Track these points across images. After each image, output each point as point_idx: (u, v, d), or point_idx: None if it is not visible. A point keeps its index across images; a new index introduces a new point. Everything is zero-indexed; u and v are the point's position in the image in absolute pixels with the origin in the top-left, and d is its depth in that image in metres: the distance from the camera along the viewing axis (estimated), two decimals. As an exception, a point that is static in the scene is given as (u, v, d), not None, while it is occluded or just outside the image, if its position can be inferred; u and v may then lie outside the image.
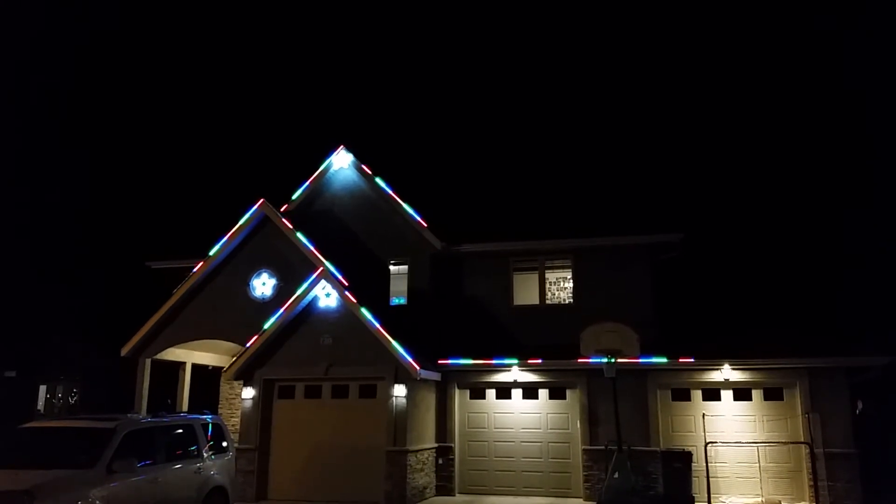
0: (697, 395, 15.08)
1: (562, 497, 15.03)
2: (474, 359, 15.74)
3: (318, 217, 17.91)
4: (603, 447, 14.61)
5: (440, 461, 15.68)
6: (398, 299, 17.52)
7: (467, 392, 16.21)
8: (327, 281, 15.11)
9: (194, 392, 17.99)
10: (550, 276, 17.39)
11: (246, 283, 16.27)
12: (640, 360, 14.31)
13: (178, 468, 10.20)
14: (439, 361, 15.68)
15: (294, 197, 18.13)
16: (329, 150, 18.32)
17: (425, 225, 17.16)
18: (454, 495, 15.48)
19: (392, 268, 17.60)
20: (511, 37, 48.47)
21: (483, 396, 16.14)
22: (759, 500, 14.07)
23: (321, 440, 14.92)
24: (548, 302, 17.12)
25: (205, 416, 11.69)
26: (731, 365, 14.65)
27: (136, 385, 16.53)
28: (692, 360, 14.80)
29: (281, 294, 15.79)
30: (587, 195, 20.27)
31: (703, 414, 14.76)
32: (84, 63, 43.96)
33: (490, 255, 17.26)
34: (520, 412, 15.85)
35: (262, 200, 16.42)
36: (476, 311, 17.03)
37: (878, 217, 27.85)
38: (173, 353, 17.05)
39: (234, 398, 18.02)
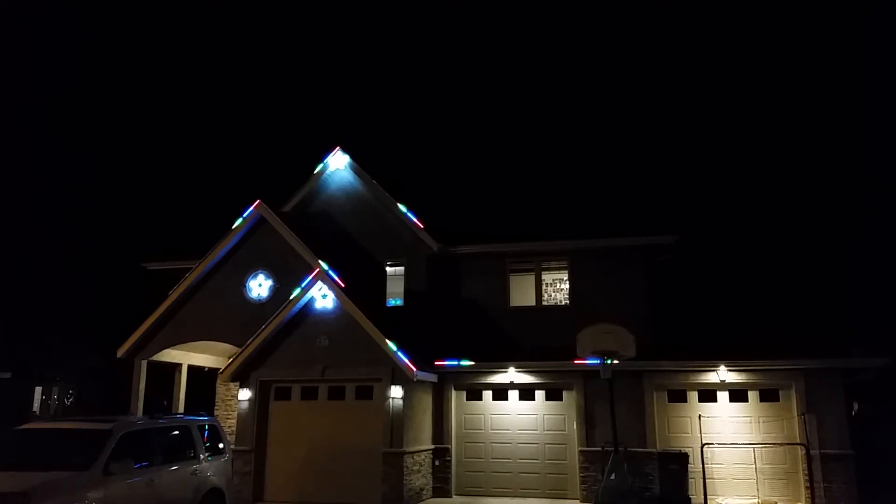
0: (694, 396, 15.10)
1: (558, 498, 15.04)
2: (471, 360, 15.74)
3: (315, 218, 17.90)
4: (599, 448, 14.63)
5: (437, 462, 15.68)
6: (395, 300, 17.52)
7: (464, 393, 16.21)
8: (324, 282, 15.10)
9: (190, 393, 17.96)
10: (547, 277, 17.41)
11: (242, 285, 16.24)
12: (637, 362, 14.31)
13: (174, 470, 10.18)
14: (436, 363, 15.68)
15: (291, 198, 18.12)
16: (325, 152, 18.31)
17: (422, 226, 17.16)
18: (451, 497, 15.48)
19: (389, 269, 17.60)
20: (509, 38, 48.51)
21: (480, 398, 16.14)
22: (756, 501, 14.09)
23: (318, 442, 14.90)
24: (544, 303, 17.13)
25: (201, 418, 11.68)
26: (727, 366, 14.68)
27: (132, 387, 16.49)
28: (688, 361, 14.83)
29: (277, 295, 15.78)
30: (584, 197, 20.30)
31: (700, 415, 14.79)
32: (84, 63, 43.90)
33: (486, 256, 17.26)
34: (516, 413, 15.85)
35: (258, 201, 16.40)
36: (473, 313, 17.03)
37: (875, 218, 27.92)
38: (169, 355, 17.01)
39: (230, 400, 17.99)
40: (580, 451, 15.05)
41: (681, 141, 36.41)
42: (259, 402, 15.25)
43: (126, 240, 30.70)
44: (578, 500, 14.82)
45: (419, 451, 14.99)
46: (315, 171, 18.24)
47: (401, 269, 17.47)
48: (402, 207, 17.43)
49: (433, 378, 15.54)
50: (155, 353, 16.55)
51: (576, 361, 14.51)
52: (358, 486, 14.31)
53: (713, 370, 14.77)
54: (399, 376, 14.37)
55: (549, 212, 19.29)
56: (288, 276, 15.77)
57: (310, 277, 15.14)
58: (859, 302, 24.59)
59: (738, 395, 14.92)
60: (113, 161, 40.97)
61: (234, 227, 16.40)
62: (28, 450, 9.31)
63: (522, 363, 15.52)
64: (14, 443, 9.57)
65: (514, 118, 42.70)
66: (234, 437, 15.32)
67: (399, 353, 14.22)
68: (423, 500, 14.96)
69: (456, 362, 15.72)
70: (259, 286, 16.17)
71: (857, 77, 35.92)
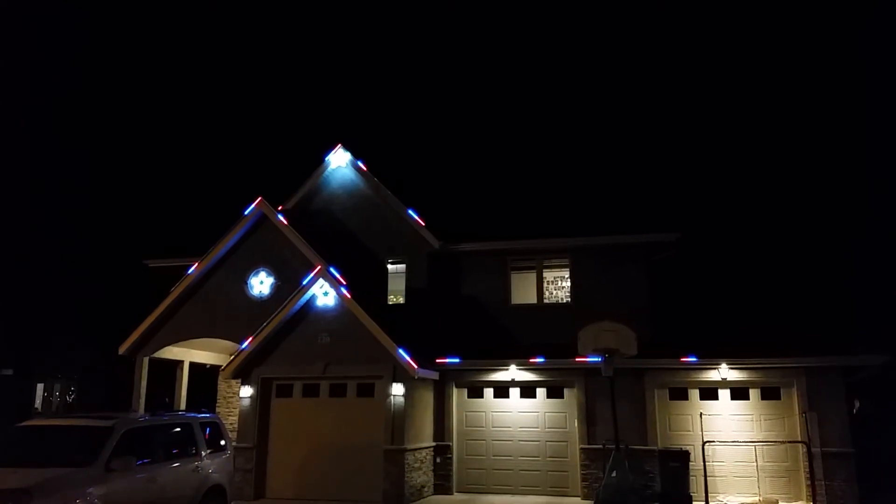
0: (695, 394, 15.10)
1: (559, 496, 15.04)
2: (472, 358, 15.74)
3: (316, 216, 17.90)
4: (600, 446, 14.63)
5: (438, 460, 15.69)
6: (396, 298, 17.53)
7: (465, 391, 16.22)
8: (325, 280, 15.10)
9: (192, 390, 17.99)
10: (548, 275, 17.41)
11: (243, 282, 16.25)
12: (638, 360, 14.30)
13: (176, 467, 10.18)
14: (437, 360, 15.68)
15: (292, 195, 18.12)
16: (327, 149, 18.32)
17: (423, 224, 17.17)
18: (452, 494, 15.49)
19: (390, 266, 17.60)
20: (510, 36, 48.47)
21: (481, 395, 16.15)
22: (757, 499, 14.09)
23: (319, 439, 14.91)
24: (545, 301, 17.14)
25: (203, 415, 11.69)
26: (728, 364, 14.67)
27: (133, 383, 16.50)
28: (690, 359, 14.83)
29: (279, 293, 15.78)
30: (585, 194, 20.31)
31: (701, 413, 14.78)
32: (84, 63, 43.89)
33: (488, 253, 17.26)
34: (518, 411, 15.85)
35: (259, 199, 16.40)
36: (474, 310, 17.04)
37: (875, 217, 27.90)
38: (171, 352, 17.03)
39: (231, 397, 18.01)
40: (581, 449, 15.05)
41: (682, 139, 36.40)
42: (260, 400, 15.26)
43: (127, 237, 30.72)
44: (579, 498, 14.83)
45: (420, 449, 15.00)
46: (317, 169, 18.23)
47: (402, 266, 17.47)
48: (404, 205, 17.43)
49: (434, 375, 15.55)
50: (156, 351, 16.56)
51: (577, 359, 14.51)
52: (359, 482, 14.32)
53: (714, 368, 14.76)
54: (400, 374, 14.38)
55: (551, 209, 19.30)
56: (289, 274, 15.77)
57: (311, 275, 15.14)
58: (860, 300, 24.59)
59: (739, 392, 14.92)
60: (113, 161, 40.97)
61: (235, 224, 16.38)
62: (30, 446, 9.30)
63: (524, 361, 15.51)
64: (16, 439, 9.56)
65: (515, 116, 42.69)
66: (235, 434, 15.33)
67: (400, 351, 14.23)
68: (424, 497, 14.97)
69: (457, 360, 15.72)
70: (260, 283, 16.18)
71: (857, 77, 35.89)
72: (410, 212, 17.35)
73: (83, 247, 32.47)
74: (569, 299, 17.00)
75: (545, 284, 17.31)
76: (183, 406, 17.32)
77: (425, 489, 15.14)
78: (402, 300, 17.38)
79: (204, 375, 18.82)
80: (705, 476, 13.68)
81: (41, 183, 36.91)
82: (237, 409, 15.92)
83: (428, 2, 48.29)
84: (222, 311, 16.17)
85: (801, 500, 14.04)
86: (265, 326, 15.18)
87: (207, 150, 40.83)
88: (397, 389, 14.41)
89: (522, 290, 17.28)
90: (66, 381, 27.52)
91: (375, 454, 14.26)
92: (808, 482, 13.82)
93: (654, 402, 14.98)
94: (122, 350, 16.52)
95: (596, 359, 13.96)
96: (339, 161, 18.20)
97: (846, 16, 36.71)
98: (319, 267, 15.23)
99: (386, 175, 18.20)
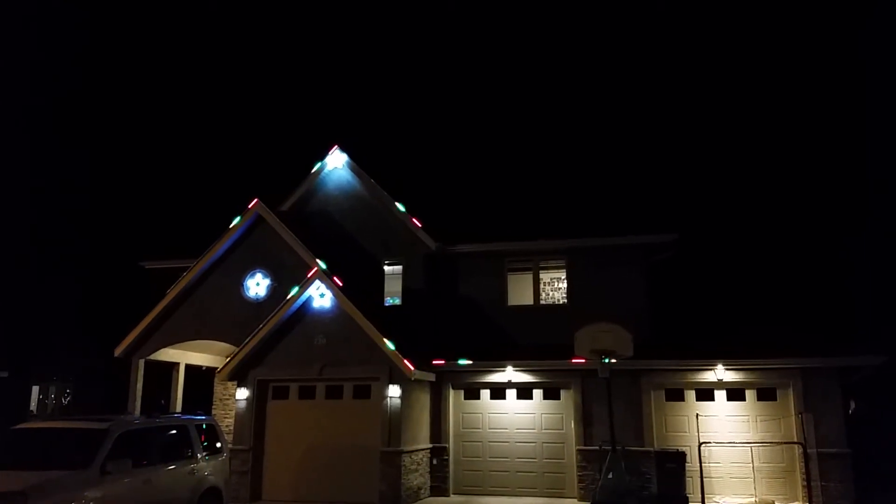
0: (691, 395, 15.11)
1: (556, 497, 15.05)
2: (469, 359, 15.74)
3: (313, 217, 17.90)
4: (597, 447, 14.64)
5: (435, 461, 15.69)
6: (393, 299, 17.53)
7: (462, 392, 16.22)
8: (321, 281, 15.09)
9: (188, 393, 17.93)
10: (545, 276, 17.43)
11: (240, 284, 16.23)
12: (634, 361, 14.30)
13: (172, 469, 10.18)
14: (434, 362, 15.68)
15: (288, 197, 18.11)
16: (324, 151, 18.31)
17: (420, 225, 17.17)
18: (449, 496, 15.48)
19: (387, 268, 17.60)
20: (507, 37, 48.49)
21: (477, 397, 16.15)
22: (753, 500, 14.11)
23: (315, 441, 14.90)
24: (542, 302, 17.15)
25: (199, 417, 11.69)
26: (724, 365, 14.69)
27: (129, 386, 16.46)
28: (686, 360, 14.84)
29: (275, 294, 15.77)
30: (582, 196, 20.36)
31: (697, 414, 14.79)
32: (84, 63, 43.86)
33: (485, 255, 17.27)
34: (514, 412, 15.86)
35: (256, 200, 16.39)
36: (471, 312, 17.04)
37: (874, 217, 27.94)
38: (167, 354, 17.00)
39: (227, 399, 17.98)
40: (578, 450, 15.06)
41: (680, 140, 36.44)
42: (257, 402, 15.23)
43: (124, 239, 30.66)
44: (576, 499, 14.83)
45: (417, 450, 14.99)
46: (313, 170, 18.23)
47: (399, 268, 17.47)
48: (401, 206, 17.44)
49: (431, 377, 15.55)
50: (152, 353, 16.53)
51: (574, 360, 14.52)
52: (355, 485, 14.31)
53: (711, 369, 14.78)
54: (397, 375, 14.37)
55: (548, 211, 19.33)
56: (286, 276, 15.77)
57: (307, 276, 15.13)
58: (856, 301, 24.63)
59: (735, 393, 14.94)
60: (112, 160, 40.93)
61: (231, 226, 16.38)
62: (25, 449, 9.32)
63: (520, 362, 15.52)
64: (11, 442, 9.57)
65: (512, 117, 42.70)
66: (231, 436, 15.32)
67: (397, 352, 14.22)
68: (420, 499, 14.96)
69: (454, 361, 15.72)
70: (257, 285, 16.16)
71: (857, 77, 35.95)
72: (407, 213, 17.34)
73: (80, 248, 32.44)
74: (565, 300, 17.02)
75: (542, 286, 17.33)
76: (179, 408, 17.29)
77: (422, 491, 15.14)
78: (398, 301, 17.38)
79: (200, 377, 18.79)
80: (701, 477, 13.70)
81: (41, 183, 36.89)
82: (233, 412, 15.90)
83: (427, 2, 48.31)
84: (218, 313, 16.15)
85: (797, 500, 14.06)
86: (261, 328, 15.16)
87: (205, 152, 40.80)
88: (394, 391, 14.40)
89: (519, 292, 17.29)
90: (61, 384, 27.48)
91: (372, 456, 14.25)
92: (804, 483, 13.83)
93: (650, 404, 14.99)
94: (117, 352, 16.49)
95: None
96: (336, 162, 18.20)
97: (846, 16, 36.78)
98: (316, 268, 15.21)
99: (383, 176, 18.21)
